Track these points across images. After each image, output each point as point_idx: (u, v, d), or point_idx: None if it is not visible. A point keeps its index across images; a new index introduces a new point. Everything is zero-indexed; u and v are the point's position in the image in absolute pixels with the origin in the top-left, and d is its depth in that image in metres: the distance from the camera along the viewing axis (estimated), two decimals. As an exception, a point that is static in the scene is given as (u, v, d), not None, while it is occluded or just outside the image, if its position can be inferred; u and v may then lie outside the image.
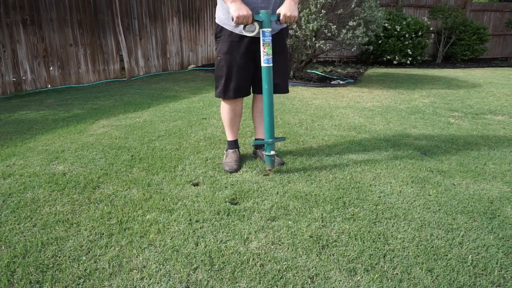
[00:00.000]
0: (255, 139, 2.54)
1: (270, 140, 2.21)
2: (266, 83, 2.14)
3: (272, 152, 2.22)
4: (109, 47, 5.97)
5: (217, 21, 2.28)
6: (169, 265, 1.42)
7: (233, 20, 2.02)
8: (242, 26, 2.09)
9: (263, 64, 2.11)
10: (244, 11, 2.00)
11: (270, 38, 2.07)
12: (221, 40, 2.27)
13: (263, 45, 2.07)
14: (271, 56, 2.09)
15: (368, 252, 1.52)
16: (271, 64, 2.11)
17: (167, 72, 7.05)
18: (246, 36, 2.16)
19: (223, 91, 2.30)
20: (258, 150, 2.51)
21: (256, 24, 2.06)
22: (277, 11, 2.10)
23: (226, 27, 2.22)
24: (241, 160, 2.45)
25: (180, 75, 6.77)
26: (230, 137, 2.49)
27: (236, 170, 2.31)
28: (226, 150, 2.48)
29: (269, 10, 2.06)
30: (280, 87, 2.36)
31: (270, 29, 2.05)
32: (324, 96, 4.91)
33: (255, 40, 2.18)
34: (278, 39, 2.27)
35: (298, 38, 5.38)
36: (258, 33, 2.08)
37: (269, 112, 2.18)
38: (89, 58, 5.69)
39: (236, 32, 2.19)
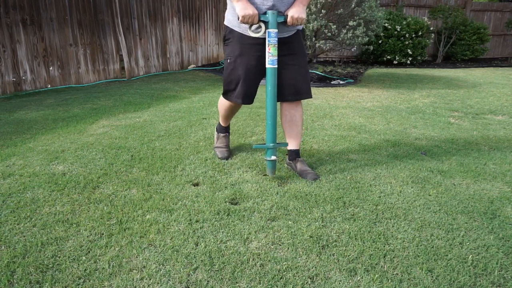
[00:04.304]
0: (287, 150, 2.37)
1: (271, 144, 2.13)
2: (269, 85, 2.07)
3: (273, 157, 2.12)
4: (109, 47, 5.96)
5: (226, 23, 2.22)
6: (169, 265, 1.42)
7: (238, 19, 1.99)
8: (249, 27, 2.05)
9: (267, 65, 2.05)
10: (250, 10, 1.96)
11: (276, 39, 2.01)
12: (230, 42, 2.19)
13: (268, 45, 2.01)
14: (276, 58, 2.03)
15: (368, 252, 1.52)
16: (276, 66, 2.05)
17: (167, 72, 7.05)
18: (258, 38, 2.09)
19: (241, 96, 2.20)
20: (291, 162, 2.31)
21: (262, 24, 2.02)
22: (285, 13, 2.04)
23: (235, 29, 2.16)
24: (232, 151, 2.51)
25: (180, 75, 6.77)
26: (223, 123, 2.61)
27: (227, 158, 2.45)
28: (218, 132, 2.62)
29: (275, 11, 1.99)
30: (305, 92, 2.22)
31: (276, 30, 1.99)
32: (324, 96, 4.91)
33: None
34: (296, 39, 2.19)
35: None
36: (264, 33, 2.03)
37: (272, 115, 2.10)
38: (89, 58, 5.69)
39: (247, 34, 2.11)
